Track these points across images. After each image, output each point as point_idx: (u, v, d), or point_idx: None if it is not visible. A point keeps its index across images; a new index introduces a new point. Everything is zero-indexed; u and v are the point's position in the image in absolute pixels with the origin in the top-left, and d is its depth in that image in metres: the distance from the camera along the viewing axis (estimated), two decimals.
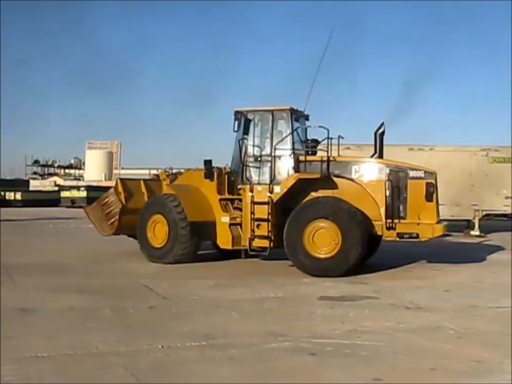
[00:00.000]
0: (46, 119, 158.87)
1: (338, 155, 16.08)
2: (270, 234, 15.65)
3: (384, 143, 16.95)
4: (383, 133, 16.59)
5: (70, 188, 59.95)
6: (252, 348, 8.18)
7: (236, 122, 16.52)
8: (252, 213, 15.81)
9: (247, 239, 15.93)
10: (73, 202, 55.00)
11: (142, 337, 8.57)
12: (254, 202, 15.81)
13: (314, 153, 16.43)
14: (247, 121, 16.13)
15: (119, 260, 17.16)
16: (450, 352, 8.10)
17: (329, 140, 15.63)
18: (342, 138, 15.93)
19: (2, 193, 58.86)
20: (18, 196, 58.98)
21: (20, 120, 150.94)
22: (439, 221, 15.28)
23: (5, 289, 12.31)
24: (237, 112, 16.48)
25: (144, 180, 19.56)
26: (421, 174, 15.22)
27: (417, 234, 15.02)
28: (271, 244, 15.73)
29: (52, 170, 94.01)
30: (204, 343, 8.32)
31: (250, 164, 16.35)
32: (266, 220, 15.68)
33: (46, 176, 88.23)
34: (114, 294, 12.12)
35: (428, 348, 8.34)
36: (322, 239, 14.81)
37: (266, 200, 15.69)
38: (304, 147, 16.54)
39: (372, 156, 16.59)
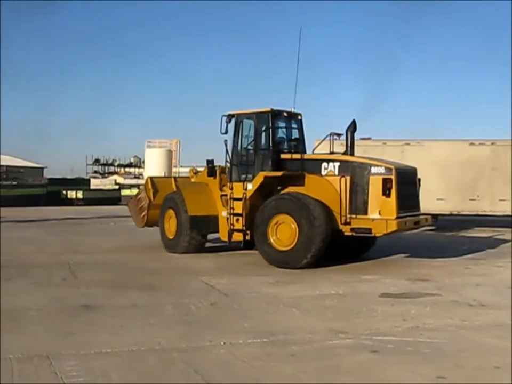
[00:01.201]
0: (106, 119, 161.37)
1: (332, 152, 16.80)
2: (243, 228, 16.75)
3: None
4: (354, 131, 16.92)
5: (130, 186, 60.87)
6: (313, 345, 8.17)
7: (224, 125, 17.33)
8: (232, 208, 17.06)
9: (226, 233, 17.34)
10: None
11: (204, 334, 8.64)
12: (232, 198, 17.09)
13: (297, 152, 17.33)
14: (234, 123, 17.45)
15: (179, 257, 17.33)
16: None
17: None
18: (338, 135, 17.24)
19: (64, 191, 59.98)
20: (80, 195, 59.98)
21: (81, 120, 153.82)
22: (400, 217, 15.28)
23: (67, 287, 12.60)
24: (223, 116, 17.36)
25: (175, 178, 21.48)
26: (381, 170, 15.49)
27: (370, 230, 15.30)
28: (245, 237, 16.88)
29: (112, 169, 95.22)
30: (265, 340, 8.35)
31: (234, 163, 17.48)
32: (241, 215, 16.80)
33: (106, 175, 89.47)
34: (175, 290, 12.26)
35: (492, 345, 8.22)
36: (284, 232, 15.68)
37: (241, 196, 16.85)
38: (290, 146, 17.71)
39: (344, 153, 16.69)
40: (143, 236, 21.82)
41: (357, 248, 17.25)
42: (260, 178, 16.46)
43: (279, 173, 16.40)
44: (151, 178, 20.88)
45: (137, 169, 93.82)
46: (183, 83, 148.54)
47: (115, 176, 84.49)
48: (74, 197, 59.65)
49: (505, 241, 21.80)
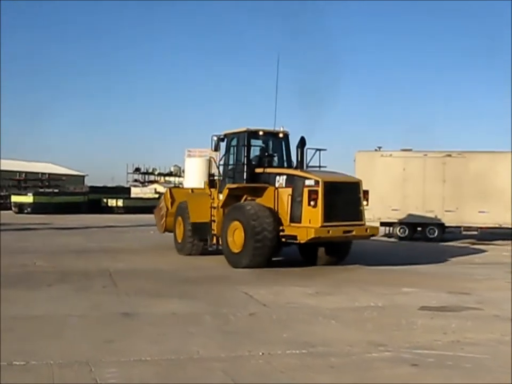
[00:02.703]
0: (146, 128, 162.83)
1: (311, 166, 18.55)
2: (214, 232, 19.19)
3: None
4: (302, 146, 18.35)
5: None
6: (352, 357, 8.12)
7: (213, 143, 19.64)
8: (212, 215, 19.43)
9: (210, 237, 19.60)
10: None
11: (242, 344, 8.64)
12: (212, 207, 19.48)
13: (270, 166, 19.08)
14: (220, 142, 19.68)
15: (218, 267, 17.39)
16: None
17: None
18: (324, 150, 18.74)
19: (105, 200, 60.55)
20: (120, 203, 60.54)
21: (121, 130, 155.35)
22: (325, 225, 16.51)
23: (107, 294, 12.71)
24: (213, 135, 19.46)
25: (193, 189, 23.23)
26: (311, 182, 16.91)
27: (296, 236, 16.76)
28: (219, 241, 18.98)
29: (152, 177, 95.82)
30: (304, 351, 8.32)
31: (222, 176, 19.72)
32: (214, 221, 19.21)
33: (146, 184, 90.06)
34: (214, 300, 12.28)
35: None
36: (237, 237, 17.57)
37: (216, 205, 19.27)
38: (265, 161, 19.26)
39: (296, 167, 18.39)
40: None
41: (333, 255, 18.49)
42: (225, 190, 18.74)
43: (241, 185, 18.51)
44: (170, 189, 23.20)
45: (177, 178, 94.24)
46: (222, 92, 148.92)
47: (155, 185, 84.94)
48: (114, 205, 60.23)
49: None
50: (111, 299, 12.10)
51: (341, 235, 17.02)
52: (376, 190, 28.24)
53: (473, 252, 23.64)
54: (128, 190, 74.61)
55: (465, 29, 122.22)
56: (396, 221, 28.92)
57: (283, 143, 19.71)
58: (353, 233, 17.13)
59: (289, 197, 17.28)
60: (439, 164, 28.14)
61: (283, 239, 17.22)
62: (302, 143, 18.35)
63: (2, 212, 54.12)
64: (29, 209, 52.91)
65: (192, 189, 23.12)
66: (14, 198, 55.84)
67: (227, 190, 18.56)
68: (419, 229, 29.09)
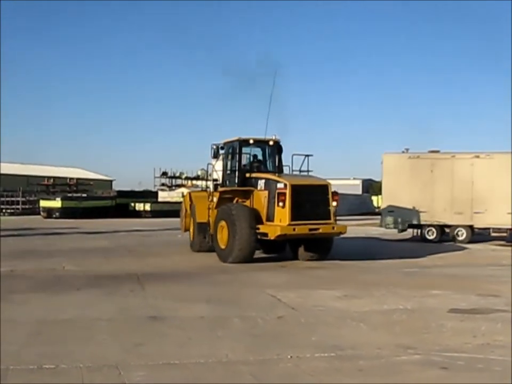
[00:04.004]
0: (173, 132, 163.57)
1: (302, 170, 20.70)
2: (210, 231, 20.98)
3: None
4: (279, 153, 21.30)
5: None
6: (381, 360, 8.08)
7: (212, 151, 21.19)
8: (209, 216, 21.29)
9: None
10: None
11: (271, 347, 8.63)
12: (208, 209, 21.25)
13: (259, 171, 20.86)
14: (220, 150, 21.37)
15: (246, 270, 17.38)
16: None
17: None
18: (311, 155, 20.78)
19: (132, 204, 60.80)
20: (148, 207, 60.75)
21: (149, 134, 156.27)
22: (292, 224, 18.29)
23: (135, 298, 12.76)
24: (212, 144, 21.24)
25: (209, 192, 24.06)
26: (281, 185, 18.75)
27: (267, 234, 18.60)
28: (212, 238, 20.75)
29: (179, 181, 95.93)
30: (333, 354, 8.29)
31: (214, 182, 22.47)
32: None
33: (173, 188, 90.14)
34: (242, 303, 12.29)
35: None
36: (224, 234, 19.46)
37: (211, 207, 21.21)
38: (255, 166, 21.30)
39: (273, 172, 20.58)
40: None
41: (313, 251, 19.95)
42: (217, 193, 21.04)
43: (228, 188, 20.95)
44: (189, 192, 24.92)
45: (204, 182, 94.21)
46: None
47: (182, 189, 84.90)
48: (142, 209, 60.46)
49: None
50: (139, 303, 12.15)
51: (307, 232, 18.64)
52: (403, 192, 28.20)
53: (501, 254, 23.42)
54: (155, 194, 74.81)
55: (465, 30, 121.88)
56: (424, 222, 28.75)
57: (274, 150, 21.66)
58: (320, 231, 18.67)
59: (266, 199, 19.28)
60: (467, 165, 27.90)
61: (258, 236, 18.94)
62: (278, 149, 21.37)
63: (31, 216, 54.74)
64: (57, 214, 53.32)
65: (209, 192, 24.03)
66: (43, 203, 56.34)
67: (218, 193, 20.87)
68: (447, 230, 28.88)
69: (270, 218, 18.98)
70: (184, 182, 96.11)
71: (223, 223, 19.56)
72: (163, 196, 76.73)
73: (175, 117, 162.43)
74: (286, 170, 21.35)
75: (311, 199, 19.05)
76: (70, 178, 77.39)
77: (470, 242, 27.77)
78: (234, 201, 20.38)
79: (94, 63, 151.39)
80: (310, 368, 7.61)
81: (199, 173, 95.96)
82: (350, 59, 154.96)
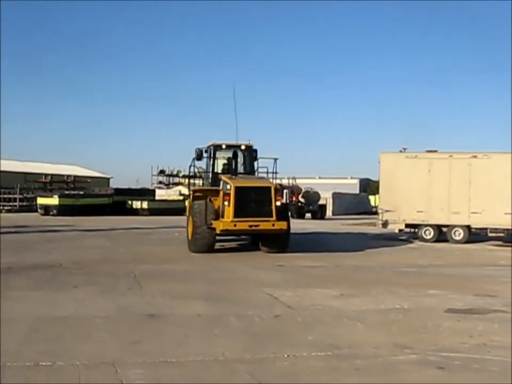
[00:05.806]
0: (171, 130, 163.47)
1: (268, 172, 23.00)
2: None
3: None
4: (235, 157, 23.20)
5: None
6: (378, 360, 8.08)
7: (196, 154, 23.36)
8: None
9: None
10: None
11: (268, 346, 8.63)
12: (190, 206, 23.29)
13: (225, 173, 22.88)
14: (202, 153, 23.48)
15: (242, 269, 17.40)
16: None
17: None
18: (277, 159, 22.91)
19: (130, 202, 60.78)
20: (145, 205, 60.73)
21: (145, 131, 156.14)
22: (234, 221, 20.49)
23: (133, 295, 12.77)
24: (196, 148, 23.38)
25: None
26: (228, 186, 21.06)
27: (215, 228, 20.85)
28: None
29: (177, 179, 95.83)
30: (329, 353, 8.30)
31: (196, 180, 26.25)
32: None
33: (171, 186, 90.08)
34: (239, 301, 12.28)
35: None
36: (190, 227, 21.87)
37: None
38: (225, 169, 23.68)
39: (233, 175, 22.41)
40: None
41: (269, 246, 22.06)
42: (191, 192, 23.71)
43: (197, 188, 24.17)
44: (194, 190, 25.31)
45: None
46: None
47: (180, 187, 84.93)
48: (139, 207, 60.43)
49: None
50: (137, 300, 12.15)
51: (247, 228, 20.98)
52: (401, 192, 28.19)
53: (498, 254, 23.46)
54: (152, 192, 74.82)
55: (464, 30, 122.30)
56: (421, 222, 28.75)
57: (245, 154, 24.03)
58: (259, 227, 20.77)
59: (221, 198, 21.35)
60: (465, 165, 27.90)
61: (208, 230, 21.20)
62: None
63: (28, 213, 54.70)
64: (54, 211, 53.32)
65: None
66: (40, 200, 56.29)
67: (192, 192, 23.48)
68: (444, 230, 28.89)
69: (222, 215, 21.17)
70: (182, 180, 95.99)
71: (190, 218, 22.10)
72: (160, 194, 76.75)
73: (173, 115, 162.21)
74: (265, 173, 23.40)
75: (255, 198, 21.23)
76: (68, 176, 77.34)
77: (467, 242, 27.80)
78: (208, 199, 21.88)
79: (92, 61, 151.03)
80: (307, 367, 7.62)
81: (197, 171, 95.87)
82: (348, 58, 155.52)
